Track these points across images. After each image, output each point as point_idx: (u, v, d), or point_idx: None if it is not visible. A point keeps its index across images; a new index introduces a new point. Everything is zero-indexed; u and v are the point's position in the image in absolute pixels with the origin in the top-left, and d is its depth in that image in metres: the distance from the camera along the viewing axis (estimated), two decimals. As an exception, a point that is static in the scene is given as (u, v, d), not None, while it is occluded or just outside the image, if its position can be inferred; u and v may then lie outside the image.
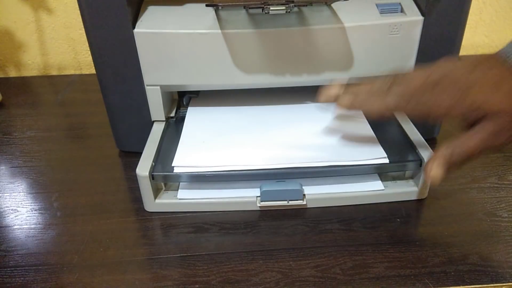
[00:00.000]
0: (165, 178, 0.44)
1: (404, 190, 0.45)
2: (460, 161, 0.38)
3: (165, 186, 0.46)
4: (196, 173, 0.43)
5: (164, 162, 0.44)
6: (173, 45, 0.45)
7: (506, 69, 0.35)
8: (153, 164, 0.44)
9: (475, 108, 0.36)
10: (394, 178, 0.46)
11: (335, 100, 0.41)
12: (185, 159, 0.44)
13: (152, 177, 0.43)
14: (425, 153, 0.44)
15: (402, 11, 0.47)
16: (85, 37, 0.46)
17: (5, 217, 0.45)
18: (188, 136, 0.48)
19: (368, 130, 0.47)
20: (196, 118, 0.51)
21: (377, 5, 0.47)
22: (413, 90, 0.38)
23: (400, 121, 0.50)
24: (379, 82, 0.39)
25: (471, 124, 0.38)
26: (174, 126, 0.52)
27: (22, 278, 0.38)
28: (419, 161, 0.44)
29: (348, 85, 0.41)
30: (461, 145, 0.37)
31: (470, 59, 0.37)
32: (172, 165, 0.43)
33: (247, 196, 0.44)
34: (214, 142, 0.47)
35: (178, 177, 0.44)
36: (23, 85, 0.77)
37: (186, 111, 0.53)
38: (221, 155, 0.44)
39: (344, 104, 0.41)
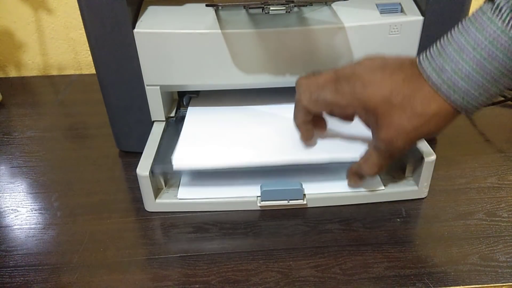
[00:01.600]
0: (164, 174, 0.44)
1: (404, 189, 0.45)
2: (371, 174, 0.40)
3: (165, 186, 0.46)
4: (195, 168, 0.43)
5: (163, 159, 0.44)
6: (173, 45, 0.45)
7: (411, 76, 0.34)
8: (153, 161, 0.44)
9: (369, 109, 0.35)
10: (394, 177, 0.46)
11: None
12: (184, 156, 0.44)
13: (152, 173, 0.43)
14: (425, 152, 0.44)
15: (402, 11, 0.47)
16: (85, 37, 0.46)
17: (5, 217, 0.45)
18: (188, 133, 0.48)
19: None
20: (196, 117, 0.51)
21: (377, 5, 0.47)
22: (317, 84, 0.38)
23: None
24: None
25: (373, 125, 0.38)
26: (174, 126, 0.51)
27: (22, 278, 0.38)
28: (420, 159, 0.44)
29: None
30: (366, 161, 0.40)
31: (391, 59, 0.37)
32: (172, 161, 0.43)
33: (247, 196, 0.44)
34: (214, 139, 0.47)
35: (177, 173, 0.43)
36: (23, 85, 0.77)
37: (186, 111, 0.53)
38: (221, 152, 0.44)
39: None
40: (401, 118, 0.34)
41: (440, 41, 0.34)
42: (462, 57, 0.31)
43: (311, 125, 0.43)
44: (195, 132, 0.48)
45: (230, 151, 0.45)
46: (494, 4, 0.30)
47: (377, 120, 0.35)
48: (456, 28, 0.33)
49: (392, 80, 0.34)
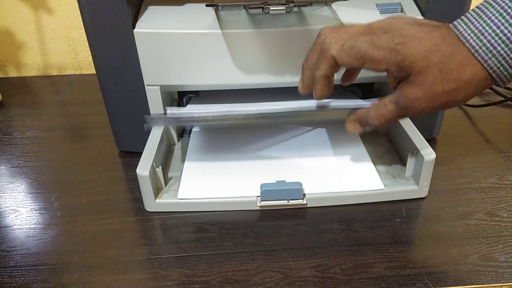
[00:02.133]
0: (158, 120, 0.44)
1: (404, 188, 0.45)
2: (375, 124, 0.38)
3: (165, 186, 0.46)
4: (189, 115, 0.43)
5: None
6: (173, 45, 0.45)
7: (448, 36, 0.34)
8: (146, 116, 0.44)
9: (404, 66, 0.34)
10: (394, 177, 0.46)
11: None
12: (178, 110, 0.45)
13: (144, 120, 0.42)
14: (425, 151, 0.44)
15: (402, 11, 0.47)
16: (85, 37, 0.46)
17: (5, 217, 0.45)
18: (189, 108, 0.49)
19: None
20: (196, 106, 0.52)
21: (377, 5, 0.47)
22: (350, 34, 0.37)
23: (401, 122, 0.50)
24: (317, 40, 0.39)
25: (397, 83, 0.37)
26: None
27: (22, 278, 0.38)
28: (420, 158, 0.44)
29: None
30: (377, 109, 0.38)
31: (423, 19, 0.36)
32: (167, 112, 0.43)
33: (247, 196, 0.44)
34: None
35: (171, 120, 0.44)
36: (23, 85, 0.77)
37: None
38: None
39: (301, 89, 0.42)
40: (435, 78, 0.33)
41: (476, 7, 0.33)
42: (506, 18, 0.31)
43: (329, 81, 0.39)
44: (193, 108, 0.49)
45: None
46: None
47: (409, 76, 0.35)
48: None
49: (432, 36, 0.34)
